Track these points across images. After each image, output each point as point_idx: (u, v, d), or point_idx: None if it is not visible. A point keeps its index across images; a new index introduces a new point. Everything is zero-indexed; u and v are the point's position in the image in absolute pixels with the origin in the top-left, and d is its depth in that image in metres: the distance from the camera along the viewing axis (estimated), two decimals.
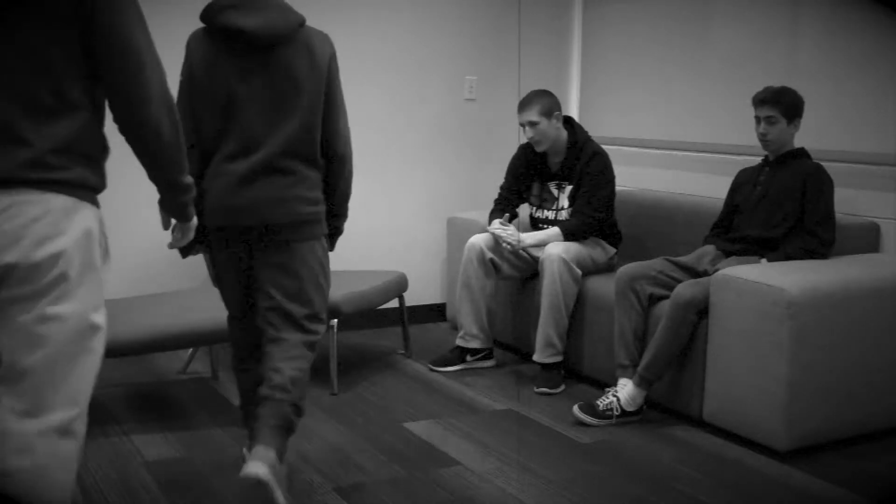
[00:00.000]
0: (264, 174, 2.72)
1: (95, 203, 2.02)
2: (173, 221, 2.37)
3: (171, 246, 2.42)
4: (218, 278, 2.94)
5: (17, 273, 1.80)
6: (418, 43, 4.94)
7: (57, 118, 1.90)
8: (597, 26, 5.21)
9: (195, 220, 2.35)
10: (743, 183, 3.77)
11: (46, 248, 1.83)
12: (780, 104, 3.54)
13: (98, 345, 1.95)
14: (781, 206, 3.55)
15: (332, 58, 2.81)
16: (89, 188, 1.99)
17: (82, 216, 1.94)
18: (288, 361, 2.74)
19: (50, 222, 1.85)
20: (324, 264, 2.86)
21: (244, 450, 2.93)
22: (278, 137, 2.72)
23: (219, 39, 2.73)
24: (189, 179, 2.18)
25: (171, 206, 2.23)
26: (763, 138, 3.61)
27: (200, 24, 2.76)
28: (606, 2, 5.13)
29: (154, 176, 2.15)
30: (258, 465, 2.54)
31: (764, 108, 3.57)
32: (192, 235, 2.39)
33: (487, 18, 5.12)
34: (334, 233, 2.98)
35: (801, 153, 3.62)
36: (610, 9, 5.11)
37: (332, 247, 2.99)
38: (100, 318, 1.97)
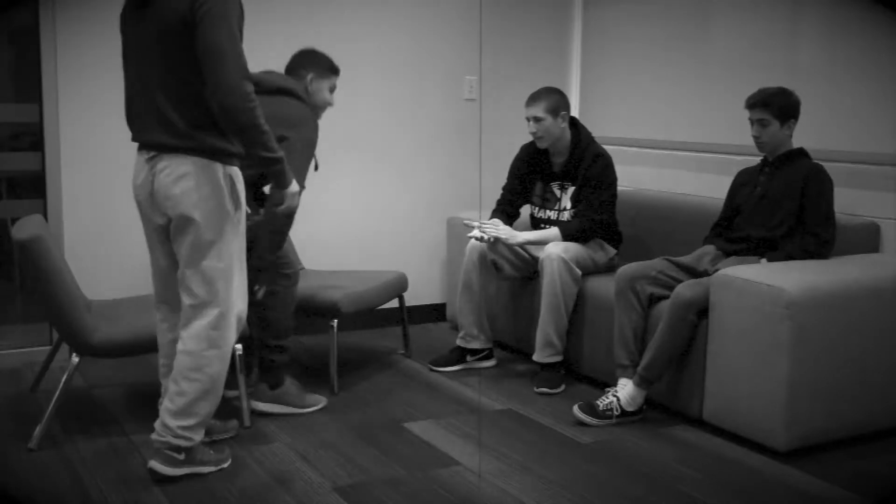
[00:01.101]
0: None
1: (224, 162, 2.81)
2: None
3: (250, 224, 3.07)
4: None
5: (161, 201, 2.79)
6: (418, 43, 4.94)
7: (188, 104, 2.74)
8: (597, 26, 5.21)
9: (294, 186, 2.94)
10: (743, 184, 3.77)
11: (186, 192, 2.76)
12: (771, 106, 3.54)
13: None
14: (781, 206, 3.55)
15: None
16: (218, 151, 2.78)
17: (213, 171, 2.78)
18: None
19: (191, 175, 2.76)
20: None
21: None
22: None
23: None
24: (274, 154, 2.78)
25: (271, 174, 2.86)
26: (756, 141, 3.61)
27: None
28: (606, 2, 5.13)
29: (246, 152, 2.79)
30: None
31: (755, 111, 3.57)
32: (294, 202, 2.98)
33: (487, 18, 5.12)
34: None
35: (801, 153, 3.62)
36: (610, 9, 5.11)
37: None
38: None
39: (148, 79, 2.79)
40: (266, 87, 3.37)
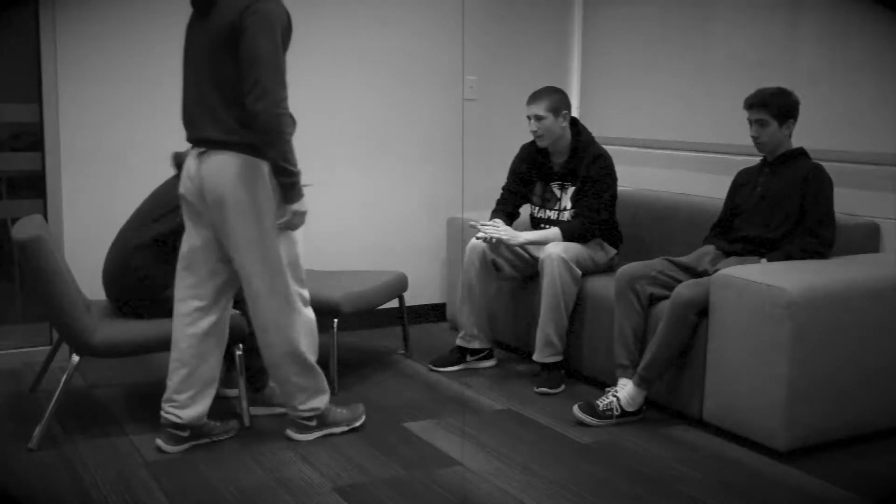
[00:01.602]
0: None
1: (265, 158, 2.95)
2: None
3: (280, 225, 3.03)
4: None
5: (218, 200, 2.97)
6: (419, 43, 4.94)
7: (237, 105, 2.92)
8: (597, 26, 5.21)
9: (303, 205, 3.01)
10: (743, 184, 3.77)
11: (232, 186, 2.95)
12: (769, 107, 3.54)
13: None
14: (781, 206, 3.55)
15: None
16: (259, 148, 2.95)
17: (258, 167, 2.96)
18: None
19: (237, 170, 2.94)
20: None
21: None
22: None
23: None
24: (291, 166, 2.91)
25: (282, 187, 2.97)
26: (755, 141, 3.61)
27: None
28: (607, 2, 5.13)
29: (265, 156, 2.95)
30: None
31: (753, 112, 3.57)
32: (298, 221, 3.03)
33: (487, 18, 5.12)
34: None
35: (800, 153, 3.62)
36: (610, 9, 5.11)
37: None
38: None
39: (203, 82, 3.01)
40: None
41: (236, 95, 2.91)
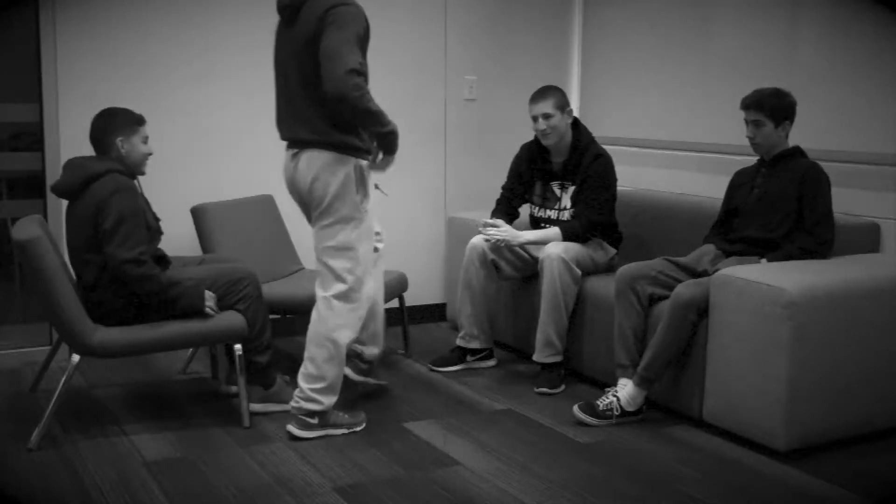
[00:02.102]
0: None
1: (354, 155, 3.20)
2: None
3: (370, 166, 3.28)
4: None
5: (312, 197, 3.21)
6: (418, 43, 4.94)
7: (319, 105, 3.13)
8: (597, 26, 5.21)
9: (393, 158, 3.26)
10: (740, 184, 3.77)
11: (321, 182, 3.18)
12: (765, 108, 3.53)
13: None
14: (779, 207, 3.55)
15: None
16: (349, 146, 3.18)
17: (345, 163, 3.18)
18: None
19: (326, 166, 3.17)
20: None
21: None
22: None
23: None
24: (387, 127, 3.14)
25: (381, 144, 3.22)
26: (751, 142, 3.61)
27: None
28: (607, 2, 5.13)
29: (366, 132, 3.21)
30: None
31: (750, 112, 3.57)
32: (384, 165, 3.28)
33: (487, 18, 5.12)
34: None
35: (796, 152, 3.61)
36: (610, 9, 5.11)
37: None
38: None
39: (292, 86, 3.21)
40: (74, 188, 3.31)
41: (321, 96, 3.07)
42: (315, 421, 3.32)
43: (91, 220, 3.26)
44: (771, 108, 3.53)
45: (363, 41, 3.11)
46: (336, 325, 3.26)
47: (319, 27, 3.05)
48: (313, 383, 3.27)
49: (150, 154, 3.51)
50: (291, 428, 3.33)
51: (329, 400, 3.31)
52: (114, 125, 3.42)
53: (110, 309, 3.32)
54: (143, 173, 3.48)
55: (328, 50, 3.00)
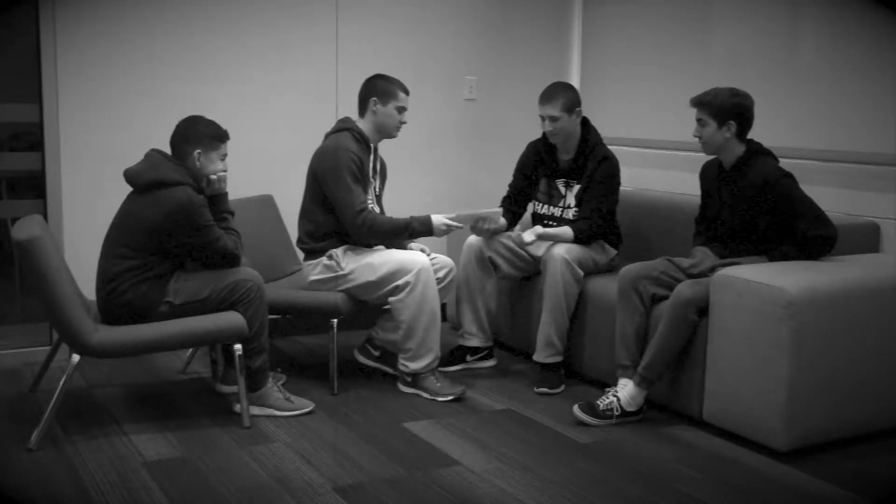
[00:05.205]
0: None
1: None
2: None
3: None
4: None
5: None
6: (418, 43, 4.94)
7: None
8: (597, 26, 5.21)
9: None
10: (707, 189, 3.76)
11: None
12: (706, 106, 3.49)
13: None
14: (754, 226, 3.50)
15: None
16: None
17: None
18: None
19: None
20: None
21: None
22: None
23: None
24: (402, 227, 3.84)
25: (413, 236, 3.92)
26: (698, 140, 3.59)
27: None
28: (606, 2, 5.13)
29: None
30: None
31: (696, 111, 3.55)
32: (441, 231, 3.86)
33: (487, 18, 5.12)
34: None
35: (751, 158, 3.51)
36: (610, 9, 5.11)
37: None
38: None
39: None
40: (140, 182, 3.37)
41: None
42: (409, 380, 3.87)
43: (149, 221, 3.29)
44: (715, 107, 3.48)
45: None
46: (401, 306, 3.79)
47: None
48: (402, 354, 3.86)
49: (224, 172, 3.50)
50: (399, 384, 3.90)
51: (416, 365, 3.82)
52: (196, 135, 3.43)
53: (119, 303, 3.34)
54: (210, 193, 3.48)
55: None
